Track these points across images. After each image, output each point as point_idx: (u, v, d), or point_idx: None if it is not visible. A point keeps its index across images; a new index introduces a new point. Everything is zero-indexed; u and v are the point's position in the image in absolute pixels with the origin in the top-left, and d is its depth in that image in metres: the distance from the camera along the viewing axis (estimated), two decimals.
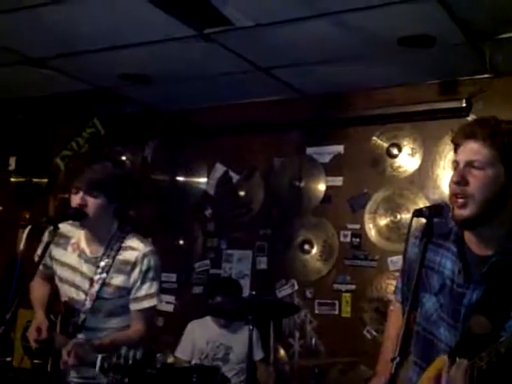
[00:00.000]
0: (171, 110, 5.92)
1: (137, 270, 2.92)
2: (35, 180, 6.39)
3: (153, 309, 3.00)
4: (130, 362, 2.47)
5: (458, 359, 1.89)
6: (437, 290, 2.13)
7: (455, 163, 2.08)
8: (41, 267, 3.15)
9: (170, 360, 4.61)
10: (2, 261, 5.82)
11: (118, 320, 2.98)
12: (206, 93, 5.43)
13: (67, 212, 2.88)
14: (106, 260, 2.92)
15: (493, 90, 4.72)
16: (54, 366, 2.82)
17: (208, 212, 5.78)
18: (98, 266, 2.93)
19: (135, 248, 2.95)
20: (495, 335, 1.90)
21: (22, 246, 2.57)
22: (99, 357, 2.53)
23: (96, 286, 2.90)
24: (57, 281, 3.07)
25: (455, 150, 2.12)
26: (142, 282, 2.92)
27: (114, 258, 2.93)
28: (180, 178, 5.96)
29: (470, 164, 2.02)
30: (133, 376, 2.48)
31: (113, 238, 2.96)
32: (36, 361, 2.92)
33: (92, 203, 2.85)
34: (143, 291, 2.93)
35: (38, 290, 3.17)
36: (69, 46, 4.52)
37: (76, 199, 2.86)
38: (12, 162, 6.47)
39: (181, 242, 5.78)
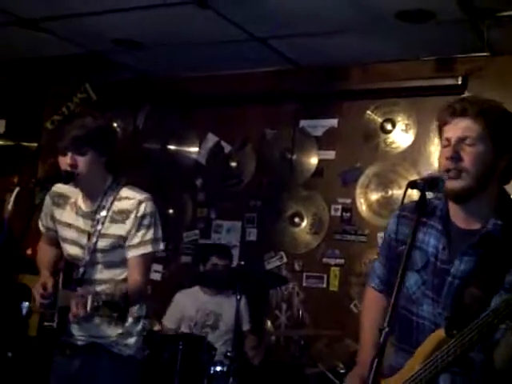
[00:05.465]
0: (164, 77, 5.84)
1: (132, 217, 2.85)
2: (24, 144, 6.31)
3: (148, 257, 2.90)
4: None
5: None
6: (420, 267, 2.13)
7: (446, 141, 2.09)
8: (43, 231, 3.13)
9: (157, 328, 4.61)
10: None
11: (118, 271, 2.91)
12: (200, 61, 5.36)
13: (58, 174, 2.82)
14: (102, 212, 2.88)
15: (489, 69, 4.69)
16: (61, 323, 2.80)
17: (198, 182, 5.74)
18: (93, 220, 2.88)
19: (130, 197, 2.90)
20: (486, 307, 1.92)
21: (9, 207, 2.50)
22: (90, 297, 2.49)
23: (93, 239, 2.86)
24: (60, 242, 3.02)
25: (442, 128, 2.14)
26: (137, 230, 2.85)
27: (109, 209, 2.87)
28: (171, 147, 5.91)
29: (461, 140, 2.04)
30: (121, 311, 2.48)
31: (108, 190, 2.91)
32: (46, 323, 2.87)
33: (82, 161, 2.79)
34: (138, 238, 2.85)
35: (43, 253, 3.14)
36: (62, 7, 4.44)
37: (65, 161, 2.79)
38: (1, 125, 6.39)
39: (170, 211, 5.72)
